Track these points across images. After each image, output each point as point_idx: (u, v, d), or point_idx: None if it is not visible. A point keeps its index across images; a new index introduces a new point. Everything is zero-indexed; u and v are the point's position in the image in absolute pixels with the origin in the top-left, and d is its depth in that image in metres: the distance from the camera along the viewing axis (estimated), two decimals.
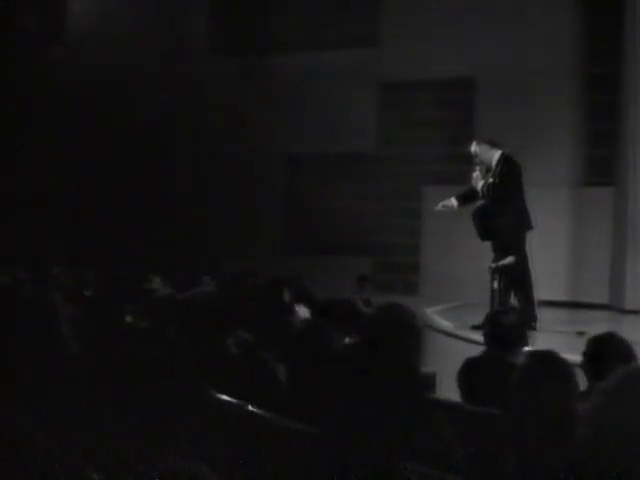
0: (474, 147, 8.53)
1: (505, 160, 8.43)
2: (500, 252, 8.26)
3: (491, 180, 8.35)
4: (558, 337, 7.96)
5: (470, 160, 8.77)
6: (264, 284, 6.17)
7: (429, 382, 4.90)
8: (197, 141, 14.77)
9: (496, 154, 8.44)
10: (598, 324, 8.79)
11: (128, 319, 5.39)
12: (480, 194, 8.40)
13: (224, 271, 10.04)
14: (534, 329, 8.28)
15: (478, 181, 8.44)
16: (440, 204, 8.83)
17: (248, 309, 3.96)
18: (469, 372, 4.25)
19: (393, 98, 13.67)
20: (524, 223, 8.41)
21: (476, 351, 4.81)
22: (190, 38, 15.15)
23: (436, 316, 9.73)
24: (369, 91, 13.75)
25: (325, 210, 13.55)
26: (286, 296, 6.01)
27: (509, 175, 8.33)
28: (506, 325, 4.48)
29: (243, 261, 11.77)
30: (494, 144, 8.53)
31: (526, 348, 4.42)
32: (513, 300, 8.54)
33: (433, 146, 13.13)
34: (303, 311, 7.31)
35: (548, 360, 2.96)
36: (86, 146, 14.86)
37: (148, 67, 14.66)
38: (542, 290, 8.81)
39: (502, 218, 8.23)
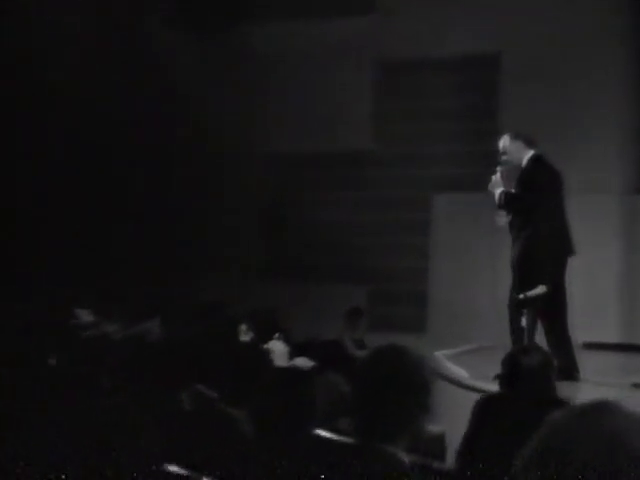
0: (503, 142, 8.43)
1: (535, 163, 8.34)
2: (528, 279, 8.18)
3: (513, 189, 8.26)
4: (607, 390, 7.98)
5: (494, 161, 8.65)
6: (226, 321, 6.22)
7: (437, 444, 4.97)
8: (153, 138, 14.67)
9: (528, 155, 8.37)
10: None
11: (51, 361, 5.38)
12: (497, 204, 8.27)
13: (179, 304, 10.05)
14: (576, 379, 8.23)
15: (496, 187, 8.32)
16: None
17: (209, 355, 3.99)
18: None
19: (393, 81, 13.72)
20: (562, 245, 8.30)
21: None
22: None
23: (447, 361, 9.78)
24: (362, 72, 13.77)
25: (309, 225, 13.43)
26: (247, 334, 6.05)
27: (537, 183, 8.23)
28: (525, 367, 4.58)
29: (206, 290, 11.77)
30: (531, 142, 8.42)
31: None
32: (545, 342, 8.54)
33: (446, 143, 13.17)
34: (279, 353, 7.35)
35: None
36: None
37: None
38: (585, 329, 8.84)
39: (527, 237, 8.14)
